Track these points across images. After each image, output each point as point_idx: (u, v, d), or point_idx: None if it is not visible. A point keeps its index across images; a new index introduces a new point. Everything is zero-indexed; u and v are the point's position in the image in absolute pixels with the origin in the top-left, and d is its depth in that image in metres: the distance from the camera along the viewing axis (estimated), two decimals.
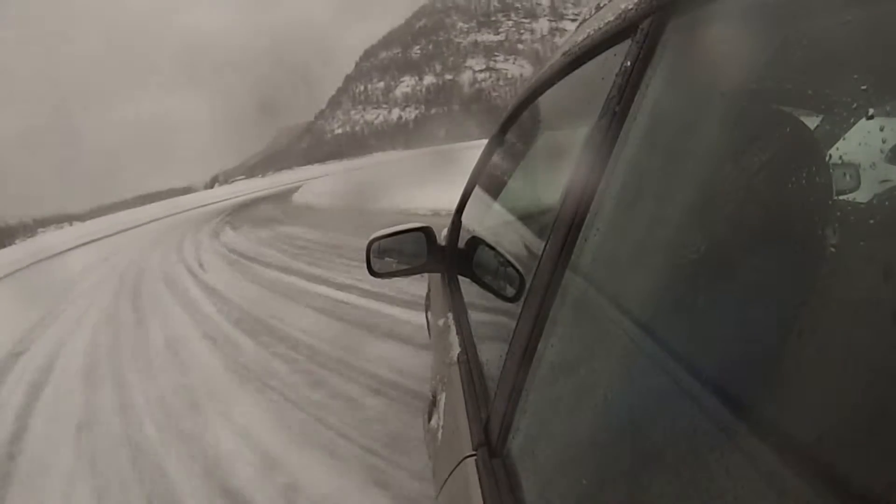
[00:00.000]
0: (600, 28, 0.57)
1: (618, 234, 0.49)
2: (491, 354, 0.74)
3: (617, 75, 0.49)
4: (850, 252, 0.25)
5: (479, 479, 0.57)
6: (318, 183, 21.54)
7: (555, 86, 0.80)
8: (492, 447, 0.60)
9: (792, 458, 0.24)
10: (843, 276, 0.26)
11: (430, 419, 1.03)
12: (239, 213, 15.80)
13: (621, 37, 0.51)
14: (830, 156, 0.28)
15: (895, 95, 0.26)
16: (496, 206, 1.25)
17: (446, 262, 1.26)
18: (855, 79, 0.26)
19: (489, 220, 1.26)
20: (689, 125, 0.43)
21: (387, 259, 1.24)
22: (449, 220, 1.47)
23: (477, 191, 1.37)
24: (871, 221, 0.24)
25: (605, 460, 0.42)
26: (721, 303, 0.33)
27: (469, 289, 1.09)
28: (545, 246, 0.57)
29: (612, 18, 0.54)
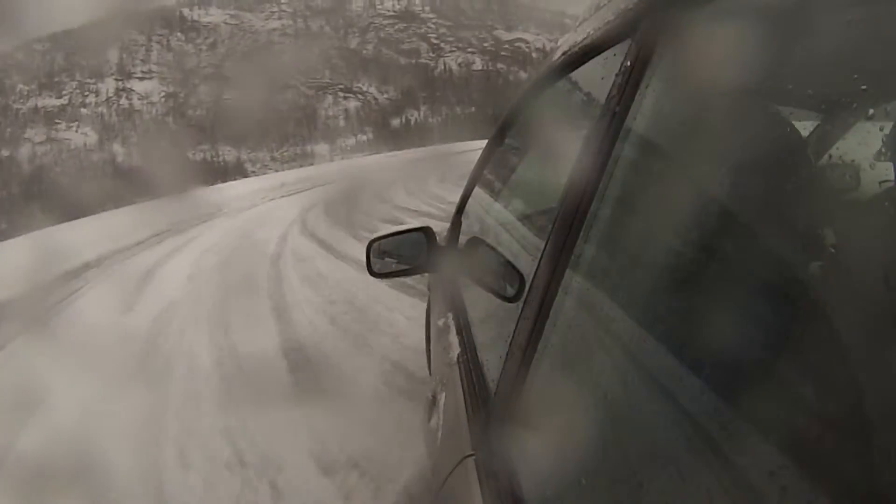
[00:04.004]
0: (600, 28, 0.57)
1: (618, 233, 0.49)
2: (491, 354, 0.74)
3: (617, 75, 0.49)
4: (850, 252, 0.25)
5: (479, 479, 0.57)
6: None
7: (554, 86, 0.80)
8: (491, 447, 0.60)
9: (792, 457, 0.24)
10: (843, 276, 0.26)
11: (429, 419, 1.03)
12: None
13: (621, 37, 0.51)
14: (830, 156, 0.28)
15: (895, 95, 0.26)
16: (496, 206, 1.25)
17: (446, 262, 1.26)
18: (855, 79, 0.26)
19: (489, 220, 1.26)
20: (689, 125, 0.43)
21: (387, 259, 1.24)
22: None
23: (477, 191, 1.37)
24: (871, 221, 0.24)
25: (606, 460, 0.42)
26: (721, 302, 0.33)
27: (469, 289, 1.09)
28: (545, 246, 0.57)
29: (612, 18, 0.54)
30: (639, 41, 0.46)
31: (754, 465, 0.26)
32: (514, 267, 0.79)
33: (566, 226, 0.52)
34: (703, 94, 0.42)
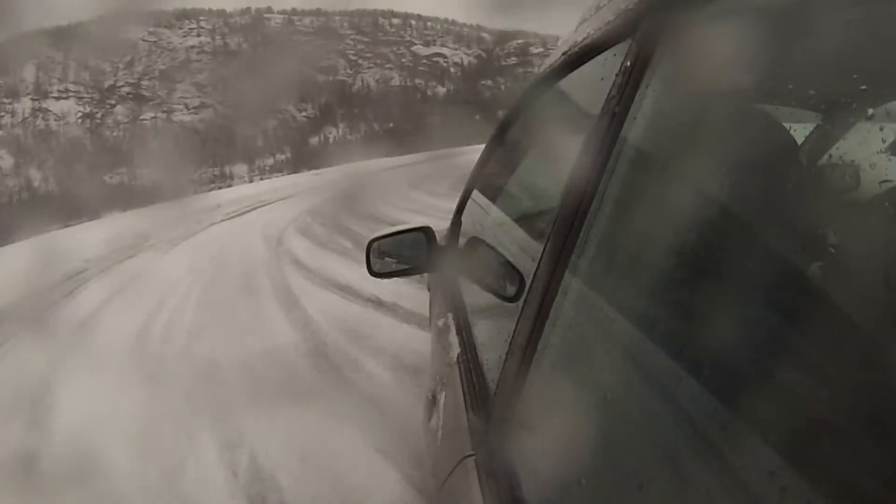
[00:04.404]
0: (600, 28, 0.57)
1: (617, 234, 0.49)
2: (491, 354, 0.74)
3: (617, 75, 0.49)
4: (850, 252, 0.25)
5: (479, 478, 0.57)
6: None
7: (555, 86, 0.80)
8: (491, 447, 0.60)
9: (792, 457, 0.24)
10: (843, 276, 0.26)
11: (429, 419, 1.03)
12: None
13: (621, 37, 0.51)
14: (830, 156, 0.28)
15: (895, 95, 0.26)
16: (496, 206, 1.25)
17: (446, 263, 1.26)
18: (855, 79, 0.26)
19: (489, 221, 1.26)
20: (689, 125, 0.43)
21: (387, 259, 1.24)
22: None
23: (477, 191, 1.37)
24: (871, 221, 0.24)
25: (606, 460, 0.42)
26: (721, 303, 0.33)
27: (469, 289, 1.09)
28: (545, 246, 0.57)
29: (612, 18, 0.54)
30: (639, 41, 0.46)
31: (754, 465, 0.26)
32: (513, 267, 0.79)
33: (566, 226, 0.52)
34: (703, 94, 0.42)
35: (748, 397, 0.29)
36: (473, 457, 0.62)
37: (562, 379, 0.52)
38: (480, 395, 0.72)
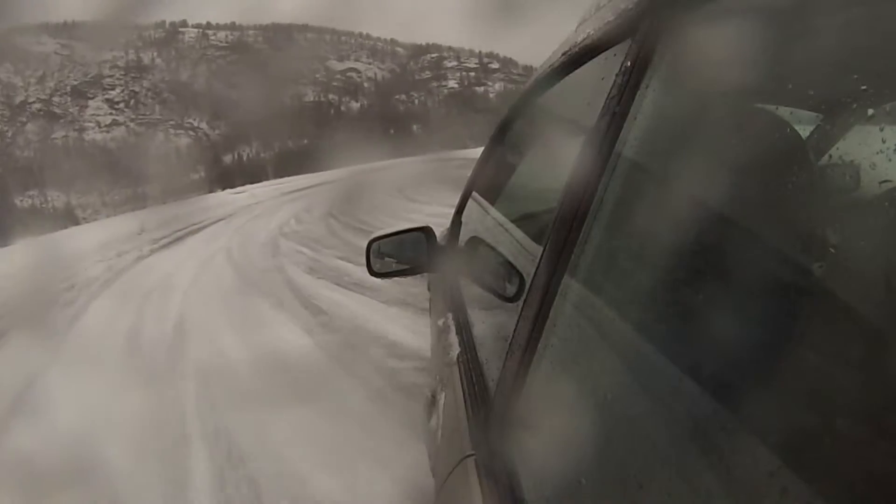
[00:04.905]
0: (600, 28, 0.57)
1: (617, 234, 0.49)
2: (491, 354, 0.74)
3: (617, 75, 0.49)
4: (850, 252, 0.25)
5: (479, 478, 0.57)
6: None
7: (554, 86, 0.80)
8: (491, 447, 0.60)
9: (792, 457, 0.24)
10: (843, 277, 0.26)
11: (429, 419, 1.03)
12: None
13: (621, 37, 0.51)
14: (830, 156, 0.28)
15: (895, 95, 0.26)
16: (496, 206, 1.26)
17: (446, 262, 1.26)
18: (855, 79, 0.26)
19: (489, 220, 1.26)
20: (689, 125, 0.43)
21: (387, 259, 1.24)
22: None
23: (477, 191, 1.37)
24: (871, 221, 0.24)
25: (606, 460, 0.42)
26: (721, 303, 0.33)
27: (469, 289, 1.09)
28: (545, 246, 0.57)
29: (612, 18, 0.54)
30: (639, 41, 0.46)
31: (754, 466, 0.26)
32: (513, 267, 0.79)
33: (566, 226, 0.52)
34: (703, 94, 0.42)
35: (748, 397, 0.29)
36: (473, 457, 0.62)
37: (562, 379, 0.52)
38: (480, 395, 0.72)
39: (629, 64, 0.47)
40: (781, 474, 0.24)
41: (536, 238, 0.74)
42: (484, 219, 1.27)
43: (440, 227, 1.43)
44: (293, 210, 10.41)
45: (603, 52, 0.57)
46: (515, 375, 0.56)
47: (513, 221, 1.07)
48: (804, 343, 0.27)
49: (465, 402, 0.76)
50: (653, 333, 0.39)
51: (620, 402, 0.41)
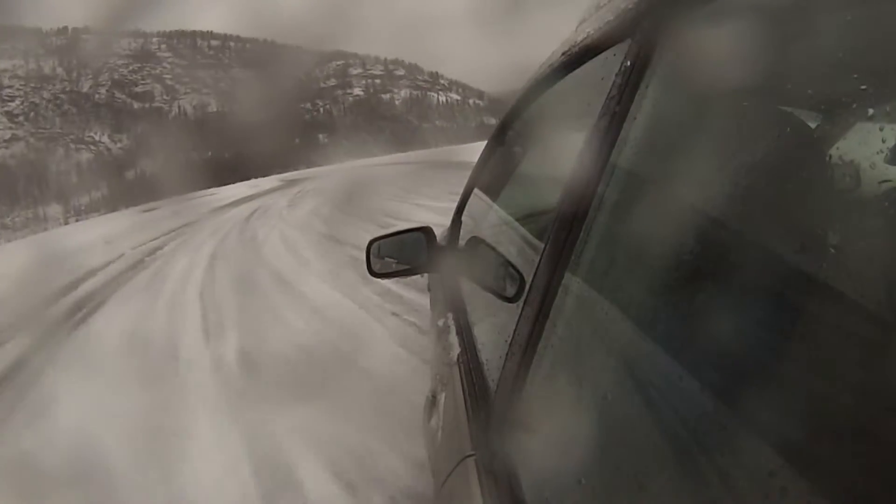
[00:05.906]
0: (600, 28, 0.57)
1: (617, 234, 0.49)
2: (491, 354, 0.74)
3: (617, 75, 0.49)
4: (850, 252, 0.25)
5: (479, 478, 0.57)
6: None
7: (554, 86, 0.80)
8: (491, 447, 0.60)
9: (792, 457, 0.24)
10: (844, 276, 0.26)
11: (429, 419, 1.03)
12: None
13: (621, 37, 0.51)
14: (830, 156, 0.28)
15: (895, 95, 0.26)
16: (496, 206, 1.26)
17: (446, 263, 1.26)
18: (855, 79, 0.26)
19: (489, 220, 1.26)
20: (688, 125, 0.43)
21: (387, 259, 1.24)
22: None
23: (477, 191, 1.37)
24: (871, 221, 0.24)
25: (606, 460, 0.42)
26: (721, 303, 0.33)
27: (469, 289, 1.09)
28: (545, 246, 0.57)
29: (611, 18, 0.54)
30: (639, 41, 0.46)
31: (754, 465, 0.26)
32: (514, 267, 0.79)
33: (566, 226, 0.52)
34: (702, 94, 0.42)
35: (748, 397, 0.29)
36: (473, 457, 0.62)
37: (562, 379, 0.52)
38: (480, 395, 0.72)
39: (629, 64, 0.47)
40: (781, 474, 0.24)
41: (536, 238, 0.74)
42: (484, 218, 1.27)
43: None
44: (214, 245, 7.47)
45: (603, 52, 0.57)
46: (516, 375, 0.56)
47: (513, 221, 1.07)
48: (804, 343, 0.27)
49: (465, 402, 0.76)
50: (653, 333, 0.39)
51: (620, 402, 0.41)
